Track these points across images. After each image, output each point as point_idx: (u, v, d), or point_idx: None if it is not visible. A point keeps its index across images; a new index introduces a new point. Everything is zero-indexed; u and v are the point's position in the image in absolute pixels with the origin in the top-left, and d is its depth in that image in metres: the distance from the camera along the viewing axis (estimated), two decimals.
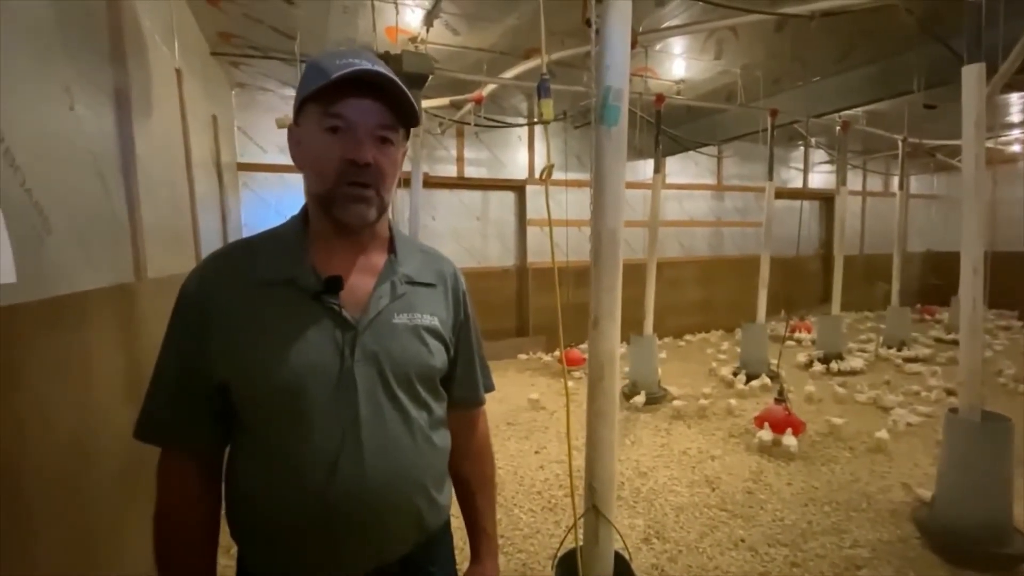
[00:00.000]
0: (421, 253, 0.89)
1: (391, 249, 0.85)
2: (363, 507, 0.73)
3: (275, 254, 0.77)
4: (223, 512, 0.81)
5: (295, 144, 0.78)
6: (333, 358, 0.73)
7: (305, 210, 0.82)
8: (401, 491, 0.76)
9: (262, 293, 0.74)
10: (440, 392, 0.86)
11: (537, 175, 6.16)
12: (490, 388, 1.00)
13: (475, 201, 6.30)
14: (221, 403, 0.75)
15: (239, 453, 0.77)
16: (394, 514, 0.76)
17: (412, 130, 0.83)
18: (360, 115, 0.72)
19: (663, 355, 5.48)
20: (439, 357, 0.83)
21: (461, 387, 0.93)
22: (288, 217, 0.84)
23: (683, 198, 7.27)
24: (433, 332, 0.82)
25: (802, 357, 5.44)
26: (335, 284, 0.74)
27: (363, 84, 0.71)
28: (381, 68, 0.72)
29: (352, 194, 0.74)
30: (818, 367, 5.12)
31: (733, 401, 4.12)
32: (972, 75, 2.21)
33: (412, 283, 0.83)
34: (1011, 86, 3.58)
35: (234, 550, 0.81)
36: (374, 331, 0.76)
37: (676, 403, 4.08)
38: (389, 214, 0.86)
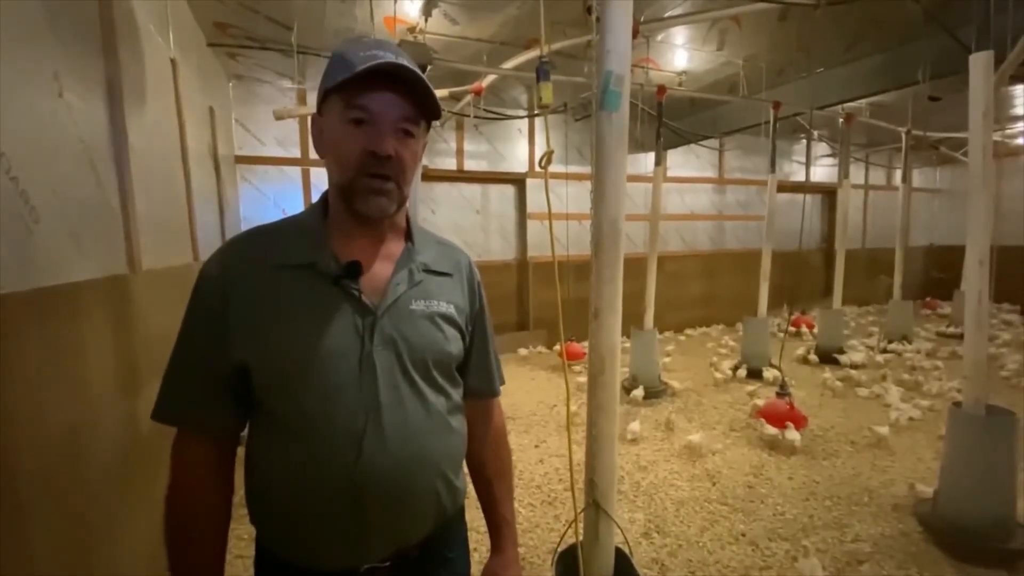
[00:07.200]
0: (438, 244, 0.91)
1: (408, 238, 0.86)
2: (386, 489, 0.73)
3: (296, 239, 0.78)
4: (239, 497, 0.80)
5: (318, 133, 0.79)
6: (354, 342, 0.74)
7: (325, 197, 0.82)
8: (421, 473, 0.77)
9: (282, 277, 0.74)
10: (456, 379, 0.87)
11: (537, 164, 6.11)
12: (501, 381, 1.00)
13: (475, 194, 6.27)
14: (239, 386, 0.75)
15: (260, 436, 0.77)
16: (414, 496, 0.77)
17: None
18: (383, 108, 0.73)
19: (670, 348, 5.46)
20: (455, 344, 0.84)
21: (477, 377, 0.94)
22: (287, 210, 0.82)
23: (684, 191, 7.23)
24: (449, 319, 0.84)
25: (803, 351, 5.42)
26: (355, 269, 0.75)
27: (387, 76, 0.72)
28: (405, 61, 0.72)
29: (372, 186, 0.74)
30: (817, 360, 5.10)
31: (734, 395, 4.10)
32: (980, 63, 2.17)
33: (429, 271, 0.84)
34: (1017, 77, 3.53)
35: (245, 533, 0.79)
36: (392, 316, 0.77)
37: (676, 397, 4.06)
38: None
